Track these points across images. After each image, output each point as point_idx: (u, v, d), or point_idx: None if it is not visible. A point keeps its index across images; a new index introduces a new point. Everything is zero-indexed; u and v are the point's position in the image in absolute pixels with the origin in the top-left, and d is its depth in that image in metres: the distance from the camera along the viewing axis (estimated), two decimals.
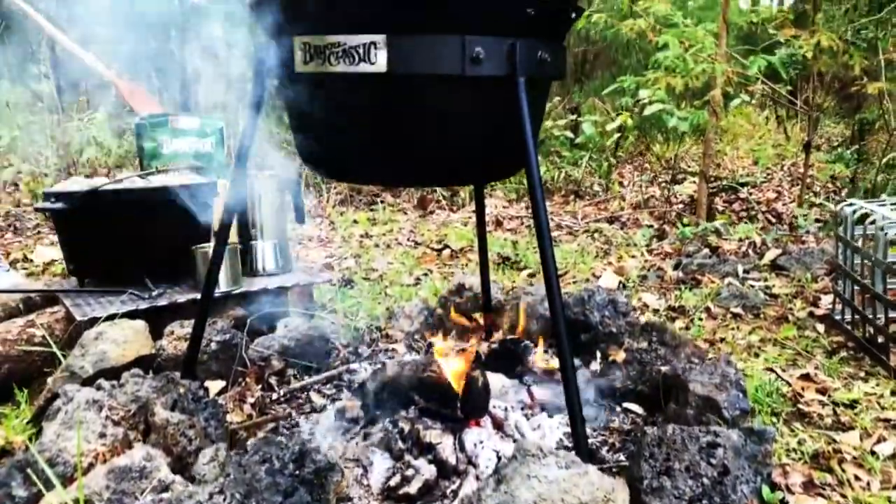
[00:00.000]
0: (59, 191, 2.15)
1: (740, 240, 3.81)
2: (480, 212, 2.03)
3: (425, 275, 3.42)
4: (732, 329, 2.60)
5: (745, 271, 3.28)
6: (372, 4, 1.30)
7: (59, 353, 1.96)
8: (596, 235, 4.41)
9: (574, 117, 5.88)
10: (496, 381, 1.72)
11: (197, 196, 2.27)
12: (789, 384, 2.01)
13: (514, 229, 4.65)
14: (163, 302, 2.12)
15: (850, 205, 2.48)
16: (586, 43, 8.04)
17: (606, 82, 7.39)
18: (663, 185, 6.40)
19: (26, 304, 2.30)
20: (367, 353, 2.09)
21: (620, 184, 6.39)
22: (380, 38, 1.29)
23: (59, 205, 2.12)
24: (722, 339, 2.46)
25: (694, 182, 6.16)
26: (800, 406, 1.85)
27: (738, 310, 2.74)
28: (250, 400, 1.78)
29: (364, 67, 1.30)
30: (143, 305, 2.10)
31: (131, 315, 2.04)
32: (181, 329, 1.96)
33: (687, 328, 2.64)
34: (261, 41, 1.49)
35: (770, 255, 3.44)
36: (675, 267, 3.48)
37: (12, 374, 1.90)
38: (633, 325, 1.96)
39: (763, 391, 1.89)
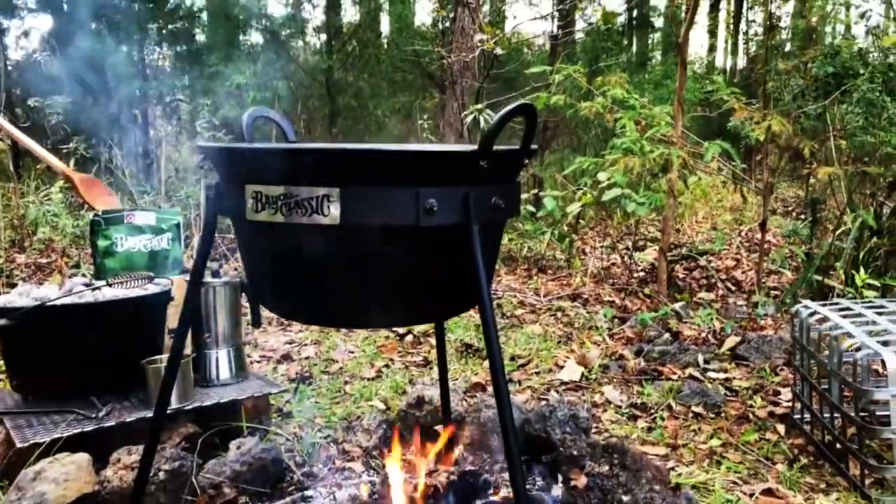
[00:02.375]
0: (3, 306, 2.08)
1: (699, 325, 3.83)
2: (441, 345, 2.01)
3: (386, 366, 3.37)
4: (694, 430, 2.59)
5: (706, 361, 3.29)
6: (326, 159, 1.29)
7: None
8: (559, 315, 4.41)
9: (536, 190, 5.95)
10: None
11: (148, 308, 2.22)
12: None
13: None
14: (110, 422, 2.04)
15: (806, 307, 2.51)
16: (546, 111, 8.18)
17: (566, 155, 7.53)
18: (624, 251, 6.49)
19: None
20: (323, 474, 2.03)
21: (583, 252, 6.45)
22: (333, 192, 1.27)
23: (2, 321, 2.05)
24: (684, 445, 2.45)
25: (654, 248, 6.25)
26: None
27: (700, 409, 2.73)
28: None
29: (316, 219, 1.29)
30: (90, 427, 2.01)
31: (76, 439, 1.95)
32: (128, 456, 1.88)
33: (650, 429, 2.62)
34: (212, 180, 1.47)
35: (729, 342, 3.46)
36: (637, 354, 3.48)
37: None
38: (594, 445, 1.93)
39: None
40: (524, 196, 5.83)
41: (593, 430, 2.57)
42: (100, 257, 2.86)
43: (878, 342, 2.06)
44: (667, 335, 3.74)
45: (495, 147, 1.32)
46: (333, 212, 1.28)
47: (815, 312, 2.41)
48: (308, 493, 1.91)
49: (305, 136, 7.36)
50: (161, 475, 1.83)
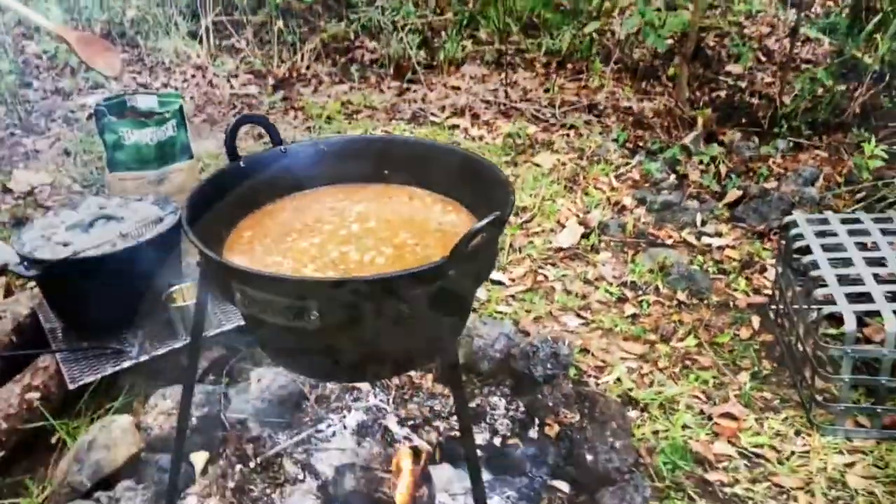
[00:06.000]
0: (30, 257, 2.24)
1: (708, 163, 3.83)
2: None
3: None
4: (675, 322, 2.81)
5: (703, 222, 3.41)
6: (305, 286, 1.38)
7: (56, 425, 2.20)
8: (571, 135, 4.42)
9: None
10: (442, 474, 1.99)
11: (165, 244, 2.37)
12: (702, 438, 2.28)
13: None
14: (144, 357, 2.32)
15: (795, 223, 2.58)
16: None
17: None
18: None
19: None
20: (335, 406, 2.32)
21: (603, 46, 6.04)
22: (314, 303, 1.37)
23: (31, 272, 2.23)
24: (662, 340, 2.69)
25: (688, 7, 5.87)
26: (706, 476, 2.14)
27: (684, 296, 2.93)
28: (230, 484, 2.04)
29: (299, 322, 1.40)
30: (127, 363, 2.30)
31: (117, 377, 2.26)
32: (164, 401, 2.18)
33: (634, 317, 2.85)
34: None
35: (730, 196, 3.54)
36: (640, 203, 3.60)
37: (15, 450, 2.16)
38: (568, 396, 2.18)
39: (677, 454, 2.16)
40: None
41: (581, 323, 2.82)
42: (110, 151, 2.94)
43: (845, 294, 2.19)
44: (672, 178, 3.80)
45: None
46: (315, 320, 1.39)
47: (800, 236, 2.49)
48: (321, 426, 2.23)
49: None
50: (194, 420, 2.14)
